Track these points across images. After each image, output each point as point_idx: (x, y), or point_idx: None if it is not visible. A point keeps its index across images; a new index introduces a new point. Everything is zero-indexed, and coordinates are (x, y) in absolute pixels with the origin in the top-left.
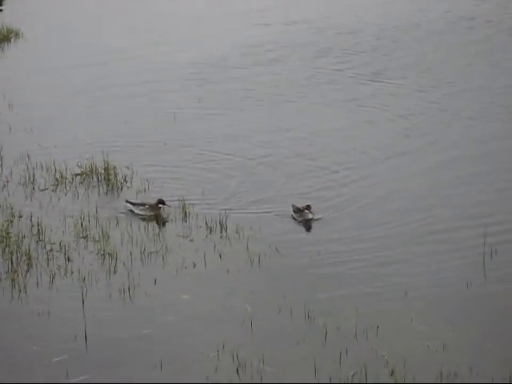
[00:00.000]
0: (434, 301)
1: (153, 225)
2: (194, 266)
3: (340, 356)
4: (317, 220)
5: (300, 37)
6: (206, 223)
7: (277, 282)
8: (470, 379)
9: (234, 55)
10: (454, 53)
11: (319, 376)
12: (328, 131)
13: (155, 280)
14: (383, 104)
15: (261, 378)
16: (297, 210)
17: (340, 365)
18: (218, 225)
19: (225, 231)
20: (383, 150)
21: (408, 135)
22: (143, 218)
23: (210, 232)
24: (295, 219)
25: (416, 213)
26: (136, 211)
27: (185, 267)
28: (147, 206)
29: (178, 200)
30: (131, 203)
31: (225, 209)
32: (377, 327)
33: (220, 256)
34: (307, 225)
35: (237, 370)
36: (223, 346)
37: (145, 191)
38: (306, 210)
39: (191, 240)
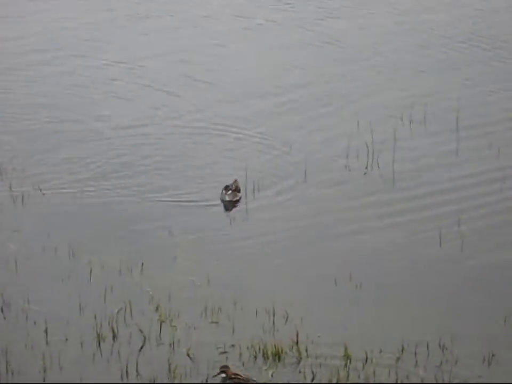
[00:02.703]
0: (198, 235)
1: None
2: None
3: (105, 292)
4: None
5: None
6: None
7: (40, 221)
8: (235, 312)
9: None
10: None
11: (84, 313)
12: None
13: None
14: None
15: (26, 317)
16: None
17: (105, 302)
18: None
19: None
20: None
21: None
22: None
23: None
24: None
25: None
26: None
27: None
28: None
29: None
30: None
31: None
32: (142, 264)
33: None
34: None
35: (2, 310)
36: None
37: None
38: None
39: None
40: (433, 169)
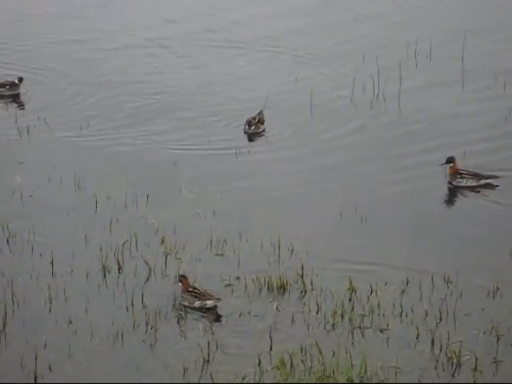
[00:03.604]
0: (202, 170)
1: None
2: None
3: (111, 224)
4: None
5: None
6: None
7: (46, 153)
8: (240, 245)
9: None
10: None
11: (90, 245)
12: None
13: None
14: None
15: (32, 249)
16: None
17: (111, 234)
18: None
19: None
20: None
21: None
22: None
23: None
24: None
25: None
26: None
27: None
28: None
29: None
30: None
31: None
32: (147, 196)
33: None
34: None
35: (7, 242)
36: None
37: None
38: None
39: None
40: (439, 102)
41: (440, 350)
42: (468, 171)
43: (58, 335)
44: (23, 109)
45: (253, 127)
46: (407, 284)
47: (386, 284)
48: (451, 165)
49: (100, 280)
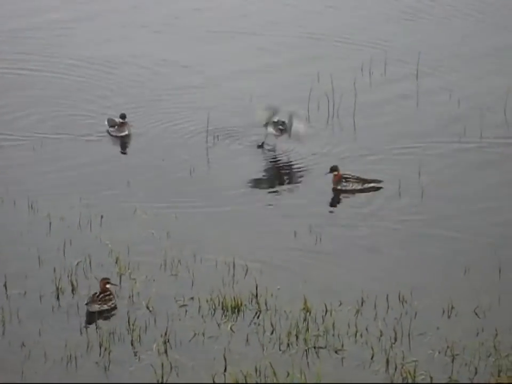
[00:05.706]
0: (156, 189)
1: None
2: None
3: (64, 245)
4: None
5: None
6: None
7: None
8: (194, 265)
9: None
10: None
11: (43, 266)
12: None
13: None
14: None
15: None
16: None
17: (64, 255)
18: None
19: None
20: None
21: None
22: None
23: None
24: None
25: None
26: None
27: None
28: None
29: None
30: None
31: None
32: (101, 216)
33: None
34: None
35: None
36: None
37: None
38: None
39: None
40: (394, 121)
41: (395, 370)
42: (352, 176)
43: (11, 359)
44: None
45: (113, 128)
46: (362, 303)
47: (341, 303)
48: (335, 173)
49: (54, 302)
